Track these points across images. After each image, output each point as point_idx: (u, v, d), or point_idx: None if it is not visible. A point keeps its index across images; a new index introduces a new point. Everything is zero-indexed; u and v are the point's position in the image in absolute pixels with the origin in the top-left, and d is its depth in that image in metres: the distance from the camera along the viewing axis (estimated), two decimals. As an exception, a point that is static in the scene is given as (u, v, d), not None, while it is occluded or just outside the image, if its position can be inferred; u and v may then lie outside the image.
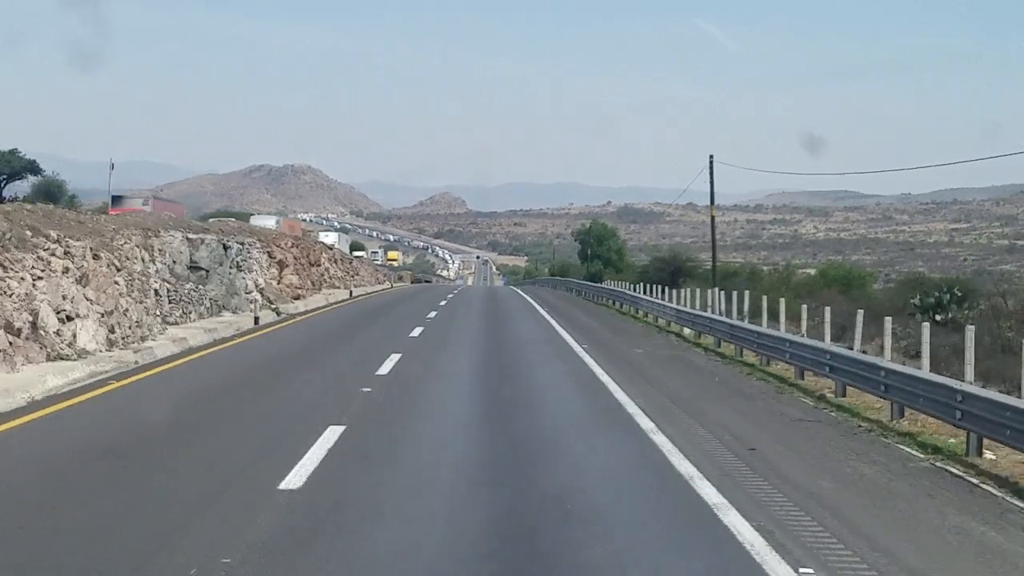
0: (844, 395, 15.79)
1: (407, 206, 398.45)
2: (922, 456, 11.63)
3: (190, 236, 32.41)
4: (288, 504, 8.76)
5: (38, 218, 22.82)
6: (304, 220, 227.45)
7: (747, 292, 32.55)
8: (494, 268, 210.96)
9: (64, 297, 19.81)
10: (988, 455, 11.35)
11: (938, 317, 34.26)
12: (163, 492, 9.18)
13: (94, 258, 21.94)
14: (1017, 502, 9.61)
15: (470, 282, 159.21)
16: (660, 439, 11.99)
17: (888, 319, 18.40)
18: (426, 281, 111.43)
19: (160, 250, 29.59)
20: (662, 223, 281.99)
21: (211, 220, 45.11)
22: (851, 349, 20.47)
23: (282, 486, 9.28)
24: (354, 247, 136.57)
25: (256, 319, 30.09)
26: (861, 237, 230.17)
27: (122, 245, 25.40)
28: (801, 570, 7.27)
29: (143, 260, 27.20)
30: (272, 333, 27.30)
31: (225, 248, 33.91)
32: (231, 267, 34.41)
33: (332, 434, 11.74)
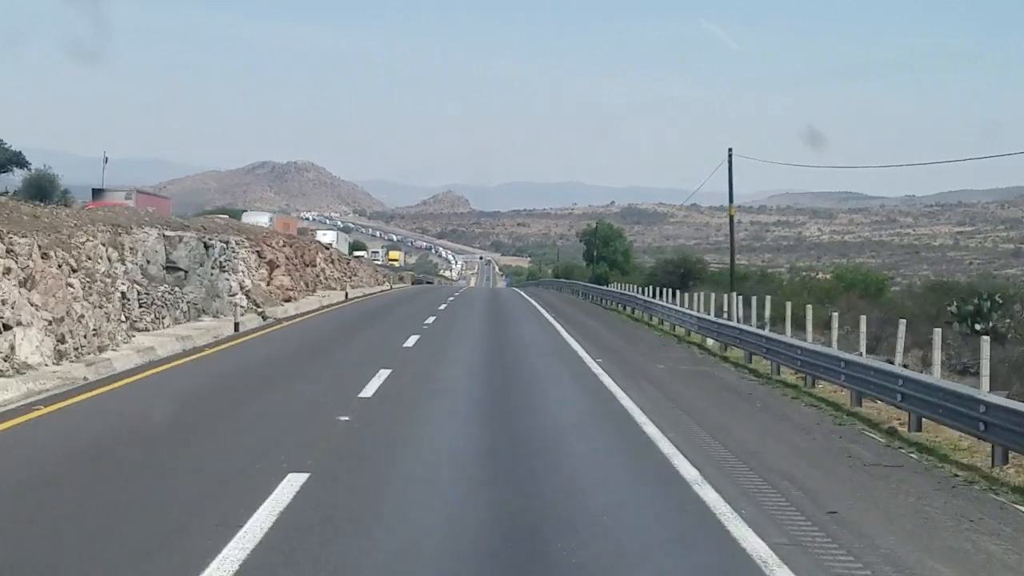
0: (919, 428, 13.12)
1: (410, 205, 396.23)
2: (1051, 521, 8.98)
3: (167, 233, 29.75)
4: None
5: (-19, 211, 20.20)
6: (307, 219, 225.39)
7: (768, 297, 30.05)
8: (497, 269, 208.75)
9: (3, 302, 17.18)
10: None
11: (978, 326, 31.64)
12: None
13: (43, 257, 19.29)
14: None
15: (473, 283, 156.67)
16: (709, 495, 9.32)
17: (938, 331, 15.94)
18: (427, 282, 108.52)
19: (131, 248, 26.93)
20: (666, 224, 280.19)
21: (193, 217, 42.46)
22: (892, 363, 17.91)
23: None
24: (355, 247, 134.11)
25: (236, 325, 27.47)
26: (865, 240, 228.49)
27: (83, 243, 22.76)
28: None
29: (109, 259, 24.57)
30: (251, 341, 24.66)
31: (206, 247, 31.25)
32: (213, 267, 31.77)
33: (290, 486, 9.11)
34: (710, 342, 25.71)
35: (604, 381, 17.63)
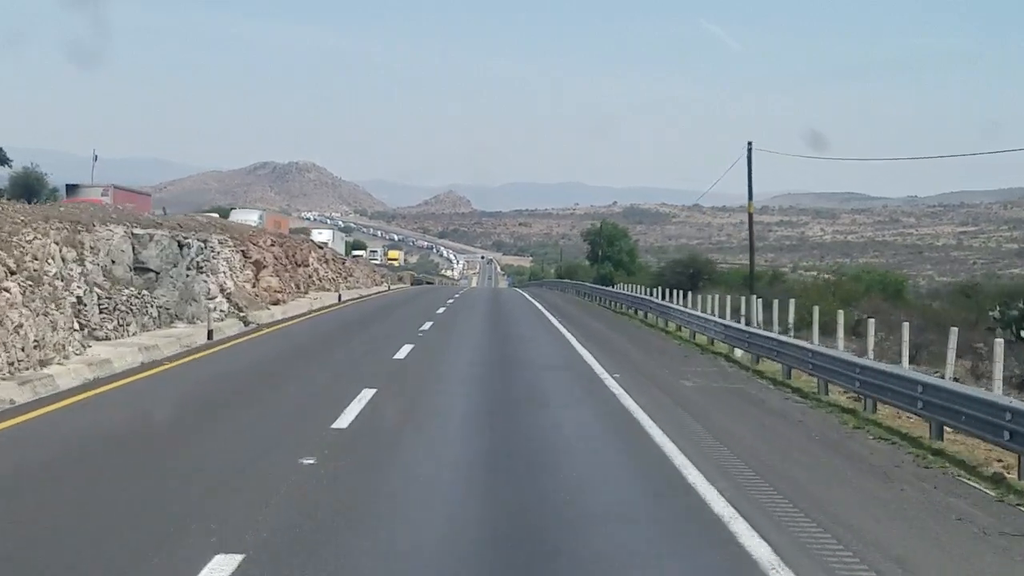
0: (1032, 475, 10.40)
1: (411, 205, 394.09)
2: None
3: (136, 231, 27.04)
4: None
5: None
6: (308, 219, 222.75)
7: (792, 301, 27.40)
8: (499, 269, 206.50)
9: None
10: None
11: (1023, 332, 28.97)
12: None
13: (-31, 258, 16.62)
14: None
15: (474, 283, 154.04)
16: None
17: (999, 341, 13.42)
18: (428, 282, 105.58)
19: (92, 248, 24.21)
20: (668, 224, 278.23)
21: (173, 215, 39.79)
22: (944, 378, 15.27)
23: None
24: (355, 246, 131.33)
25: (210, 333, 24.77)
26: (869, 240, 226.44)
27: (29, 241, 20.04)
28: None
29: (63, 260, 21.85)
30: (223, 353, 21.95)
31: (181, 246, 28.54)
32: (189, 268, 29.07)
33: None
34: (739, 353, 22.97)
35: (626, 404, 14.89)
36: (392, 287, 69.62)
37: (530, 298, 56.20)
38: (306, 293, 44.88)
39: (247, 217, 51.01)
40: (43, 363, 17.47)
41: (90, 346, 20.38)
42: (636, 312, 40.14)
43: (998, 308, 31.46)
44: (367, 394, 14.88)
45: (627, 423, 13.29)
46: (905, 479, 10.61)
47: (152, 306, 25.63)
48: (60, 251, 21.98)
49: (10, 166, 61.67)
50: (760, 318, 28.30)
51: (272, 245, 42.99)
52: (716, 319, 25.85)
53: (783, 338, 19.85)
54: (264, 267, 39.14)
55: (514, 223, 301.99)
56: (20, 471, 9.99)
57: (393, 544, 7.74)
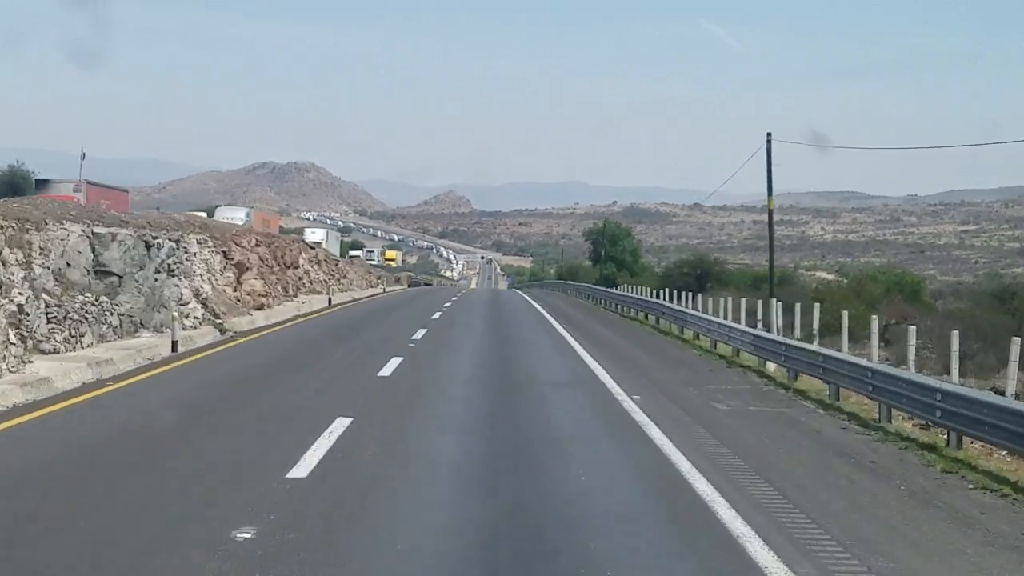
0: None
1: (411, 205, 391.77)
2: None
3: (97, 231, 24.33)
4: None
5: None
6: (307, 219, 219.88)
7: (817, 305, 24.78)
8: (498, 269, 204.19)
9: None
10: None
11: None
12: None
13: None
14: None
15: (474, 284, 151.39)
16: None
17: None
18: (426, 283, 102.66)
19: (43, 249, 21.51)
20: (668, 224, 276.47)
21: (145, 213, 37.13)
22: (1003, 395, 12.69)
23: None
24: (354, 246, 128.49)
25: (174, 344, 22.07)
26: (869, 239, 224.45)
27: (-42, 241, 17.38)
28: None
29: (3, 263, 19.16)
30: (184, 369, 19.25)
31: (148, 246, 25.83)
32: (158, 271, 26.40)
33: None
34: (771, 366, 20.27)
35: (659, 442, 12.17)
36: (388, 289, 66.90)
37: (532, 301, 53.43)
38: (295, 296, 42.25)
39: (233, 215, 48.25)
40: (-38, 384, 14.84)
41: (31, 361, 17.72)
42: (647, 317, 37.41)
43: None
44: (339, 426, 12.19)
45: (669, 480, 10.40)
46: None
47: (113, 314, 22.94)
48: (2, 253, 19.32)
49: (-10, 163, 59.06)
50: (780, 323, 25.65)
51: (257, 245, 40.32)
52: (744, 328, 23.11)
53: (829, 352, 17.07)
54: (247, 269, 36.47)
55: (514, 223, 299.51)
56: None
57: None
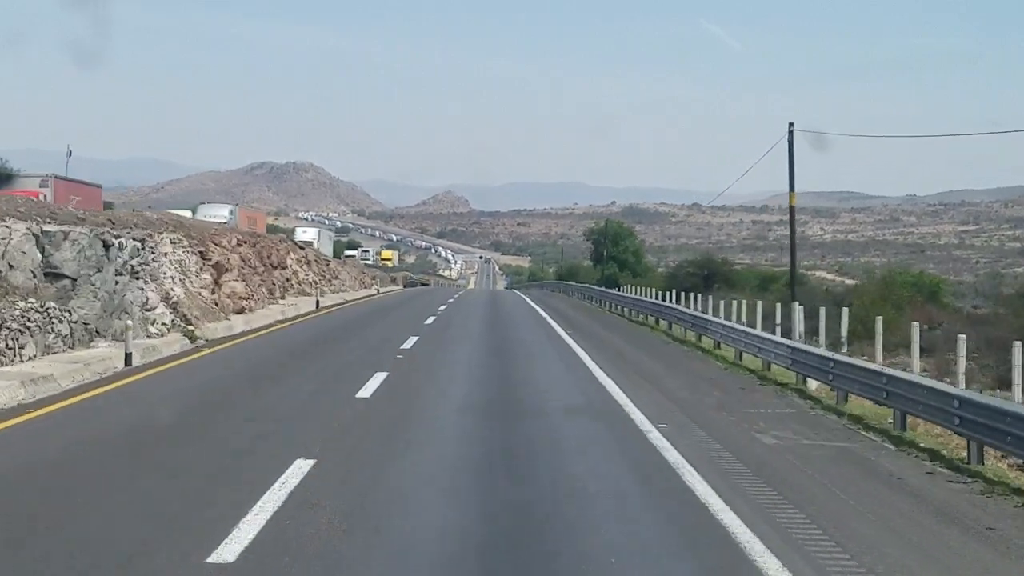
0: None
1: (410, 205, 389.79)
2: None
3: (47, 228, 21.64)
4: None
5: None
6: (305, 219, 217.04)
7: (845, 309, 22.21)
8: (497, 268, 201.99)
9: None
10: None
11: None
12: None
13: None
14: None
15: (472, 284, 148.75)
16: None
17: None
18: (423, 284, 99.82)
19: (-22, 248, 18.86)
20: (668, 224, 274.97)
21: (111, 211, 34.51)
22: None
23: None
24: (349, 246, 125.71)
25: (127, 357, 19.35)
26: (869, 239, 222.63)
27: None
28: None
29: (-79, 265, 16.49)
30: (130, 388, 16.53)
31: (107, 246, 23.13)
32: (120, 273, 23.72)
33: None
34: (812, 384, 17.56)
35: (696, 489, 9.51)
36: (382, 290, 64.21)
37: (532, 304, 50.67)
38: (282, 299, 39.62)
39: (215, 213, 45.52)
40: None
41: (-49, 380, 15.06)
42: (657, 322, 34.66)
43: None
44: (296, 474, 9.49)
45: (731, 563, 7.78)
46: None
47: (63, 321, 20.26)
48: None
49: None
50: (802, 328, 22.98)
51: (240, 245, 37.64)
52: (779, 339, 20.36)
53: (894, 373, 14.30)
54: (227, 270, 33.78)
55: (513, 223, 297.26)
56: None
57: None
